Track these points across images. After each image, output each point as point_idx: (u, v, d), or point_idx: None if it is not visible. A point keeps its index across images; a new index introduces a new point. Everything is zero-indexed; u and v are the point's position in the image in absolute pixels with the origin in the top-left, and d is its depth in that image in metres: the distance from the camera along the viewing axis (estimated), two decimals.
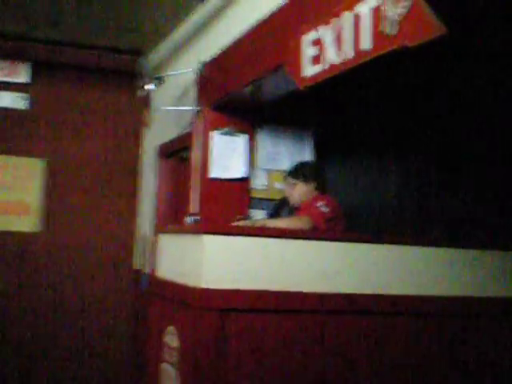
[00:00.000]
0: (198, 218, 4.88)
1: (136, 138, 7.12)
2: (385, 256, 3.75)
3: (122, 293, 7.10)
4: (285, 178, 4.84)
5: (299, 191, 4.75)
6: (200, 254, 3.41)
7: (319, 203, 4.49)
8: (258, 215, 5.22)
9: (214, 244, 3.41)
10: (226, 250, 3.42)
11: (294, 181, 4.75)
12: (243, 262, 3.44)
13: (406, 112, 5.61)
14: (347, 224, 4.57)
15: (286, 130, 5.47)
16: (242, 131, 5.30)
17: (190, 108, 5.50)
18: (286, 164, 5.31)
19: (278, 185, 5.34)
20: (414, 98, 5.56)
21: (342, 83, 3.71)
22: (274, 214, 5.10)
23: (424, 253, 3.85)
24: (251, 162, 5.37)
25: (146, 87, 5.75)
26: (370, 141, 5.74)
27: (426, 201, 5.74)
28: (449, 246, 3.89)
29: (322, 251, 3.65)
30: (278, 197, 5.29)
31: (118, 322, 7.09)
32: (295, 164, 4.92)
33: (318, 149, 5.49)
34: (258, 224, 4.14)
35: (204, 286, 3.38)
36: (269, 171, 5.41)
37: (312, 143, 5.51)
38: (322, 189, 4.76)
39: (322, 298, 3.54)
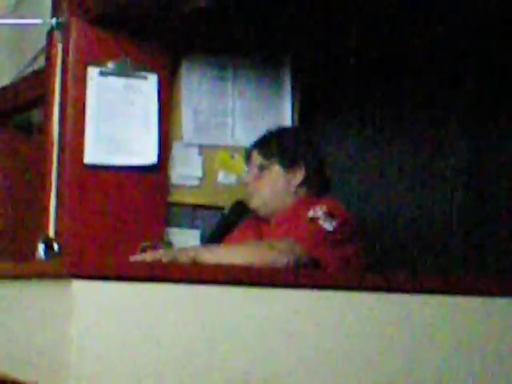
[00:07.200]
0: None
1: None
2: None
3: None
4: (248, 157, 3.63)
5: (274, 183, 3.44)
6: (65, 319, 2.50)
7: (316, 211, 3.21)
8: (186, 240, 4.02)
9: (91, 299, 2.50)
10: (117, 310, 2.49)
11: (264, 160, 3.47)
12: (150, 333, 2.45)
13: None
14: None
15: (240, 64, 4.19)
16: (150, 68, 3.94)
17: (41, 21, 4.17)
18: (241, 134, 4.14)
19: (224, 176, 4.09)
20: None
21: None
22: (219, 235, 3.67)
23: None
24: (171, 133, 4.08)
25: None
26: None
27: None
28: None
29: (322, 313, 2.59)
30: (225, 202, 3.92)
31: None
32: (267, 132, 3.65)
33: (305, 105, 4.28)
34: (182, 258, 3.05)
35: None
36: (206, 149, 4.08)
37: (290, 93, 4.23)
38: (320, 183, 3.48)
39: None
